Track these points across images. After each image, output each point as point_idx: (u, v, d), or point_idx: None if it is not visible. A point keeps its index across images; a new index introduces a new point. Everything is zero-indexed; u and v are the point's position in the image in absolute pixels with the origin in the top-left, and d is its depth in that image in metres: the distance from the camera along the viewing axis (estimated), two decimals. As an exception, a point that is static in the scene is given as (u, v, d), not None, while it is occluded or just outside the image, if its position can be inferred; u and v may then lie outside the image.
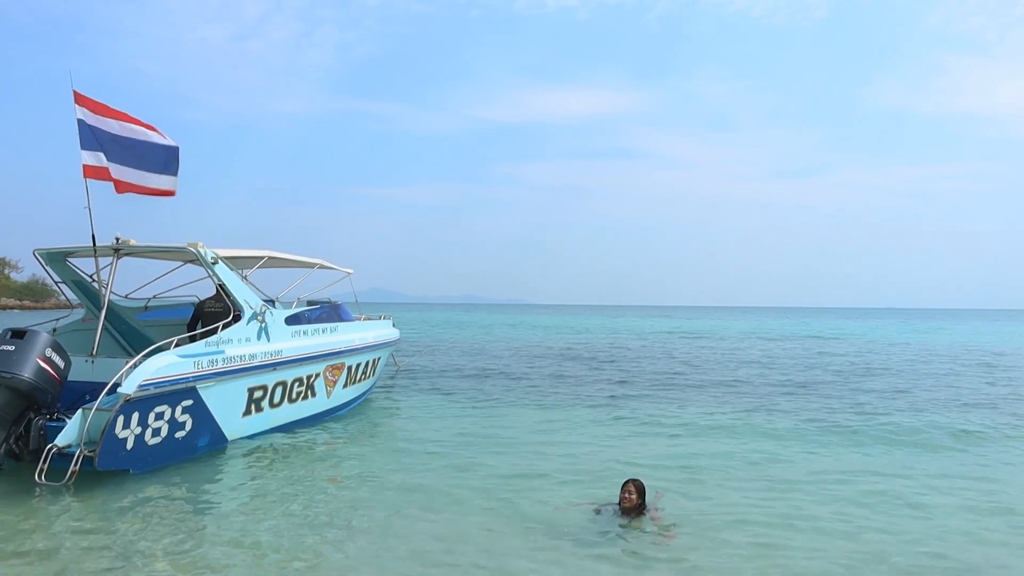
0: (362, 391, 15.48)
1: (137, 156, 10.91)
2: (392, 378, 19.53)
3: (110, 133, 10.52)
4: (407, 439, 12.11)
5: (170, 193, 11.53)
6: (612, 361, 28.00)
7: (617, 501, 7.73)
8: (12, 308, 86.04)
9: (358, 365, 14.67)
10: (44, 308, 76.42)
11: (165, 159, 11.32)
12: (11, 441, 8.56)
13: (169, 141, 11.32)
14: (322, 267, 14.81)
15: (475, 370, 23.52)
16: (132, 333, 12.88)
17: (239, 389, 10.86)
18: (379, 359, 16.21)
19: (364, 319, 15.85)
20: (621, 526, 7.36)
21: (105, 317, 11.41)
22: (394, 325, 17.53)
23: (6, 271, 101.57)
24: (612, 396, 17.70)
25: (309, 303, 13.91)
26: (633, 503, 7.57)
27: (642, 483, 7.75)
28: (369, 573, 6.12)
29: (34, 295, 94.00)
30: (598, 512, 7.73)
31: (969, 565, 6.51)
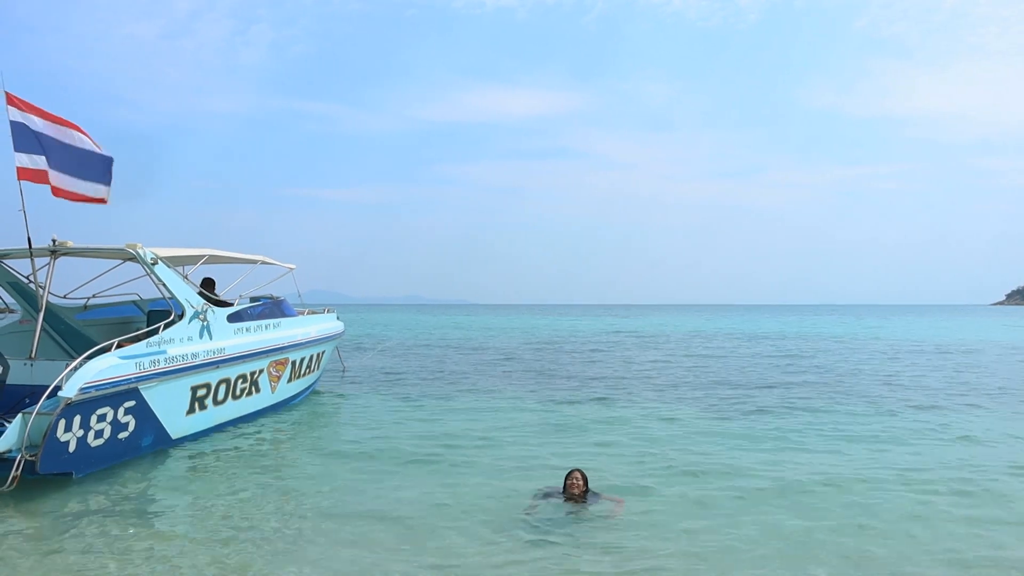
0: (307, 385, 15.55)
1: (73, 162, 10.79)
2: (339, 377, 19.60)
3: (45, 136, 10.36)
4: (351, 438, 12.19)
5: (103, 201, 11.44)
6: (556, 361, 28.36)
7: (562, 490, 8.03)
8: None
9: (302, 359, 14.73)
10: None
11: (101, 168, 11.26)
12: (-49, 446, 8.39)
13: (103, 151, 11.23)
14: (264, 263, 14.77)
15: (419, 370, 23.71)
16: (72, 334, 12.68)
17: (182, 388, 10.82)
18: (323, 353, 16.31)
19: (308, 313, 15.84)
20: (570, 513, 7.63)
21: (44, 319, 11.24)
22: (338, 318, 17.58)
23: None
24: (552, 392, 18.13)
25: (252, 300, 13.88)
26: (580, 490, 7.92)
27: (584, 472, 8.13)
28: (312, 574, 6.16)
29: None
30: (547, 498, 7.98)
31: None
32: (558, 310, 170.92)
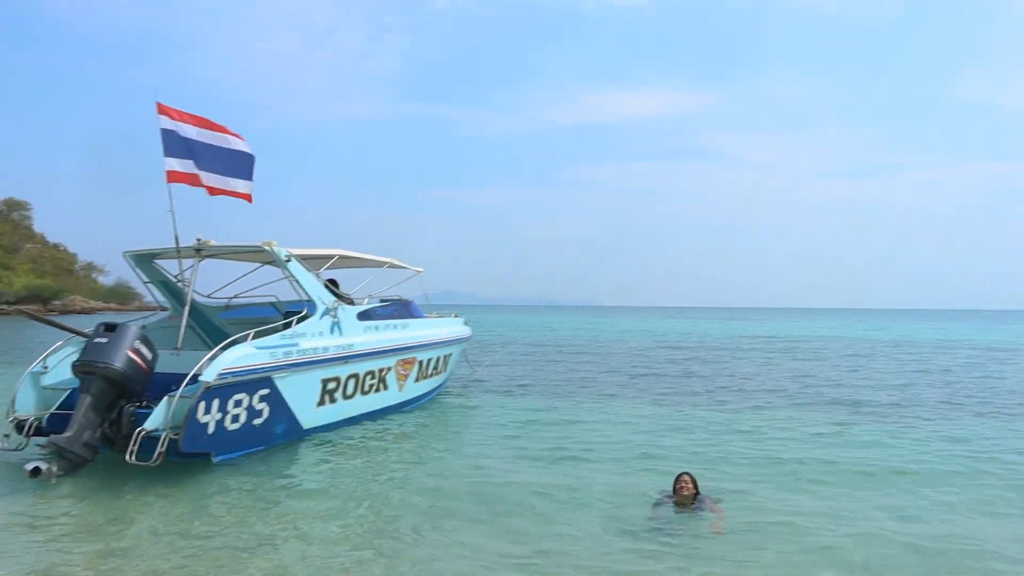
0: (434, 386, 15.85)
1: (220, 162, 11.53)
2: (467, 379, 19.87)
3: (193, 140, 11.17)
4: (473, 437, 12.42)
5: (247, 198, 12.14)
6: (690, 368, 27.74)
7: (671, 492, 8.07)
8: (99, 311, 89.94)
9: (429, 360, 15.07)
10: (128, 310, 79.57)
11: (246, 167, 11.94)
12: (105, 426, 9.23)
13: (246, 148, 11.94)
14: (392, 266, 15.31)
15: (546, 371, 23.74)
16: (214, 331, 13.55)
17: (313, 380, 11.37)
18: (450, 355, 16.58)
19: (435, 316, 16.30)
20: (677, 514, 7.66)
21: (189, 315, 12.10)
22: (466, 323, 17.98)
23: (94, 275, 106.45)
24: (679, 396, 17.80)
25: (381, 300, 14.45)
26: (690, 492, 7.95)
27: (693, 475, 8.19)
28: (433, 571, 6.26)
29: (119, 298, 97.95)
30: (656, 505, 7.96)
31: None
32: (690, 313, 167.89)
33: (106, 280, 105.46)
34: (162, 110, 10.75)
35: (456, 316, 17.65)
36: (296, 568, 6.16)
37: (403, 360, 13.95)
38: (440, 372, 16.04)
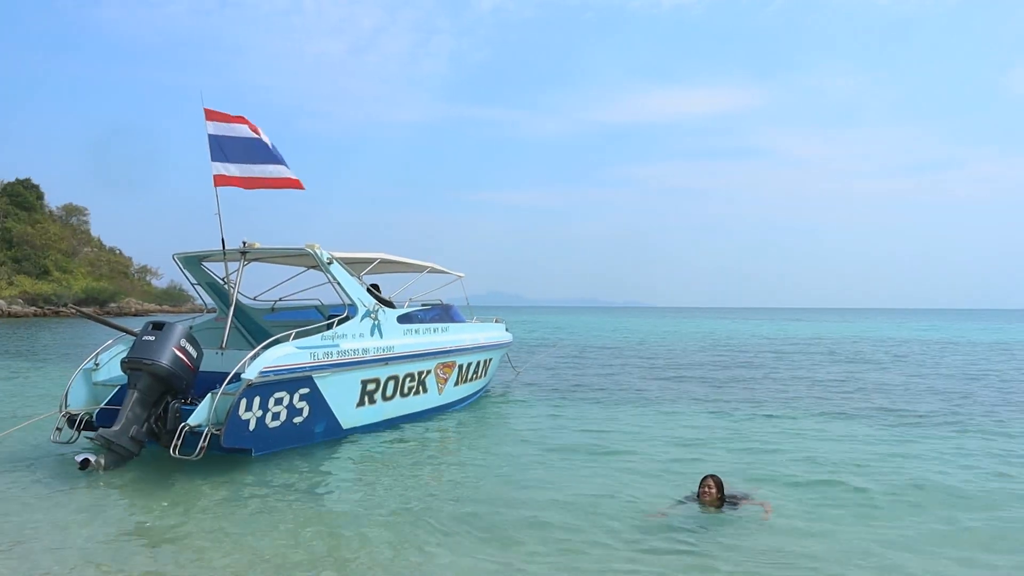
0: (474, 390, 15.97)
1: (264, 154, 11.82)
2: (509, 382, 19.96)
3: (239, 138, 11.50)
4: (511, 439, 12.52)
5: (298, 183, 12.31)
6: (737, 369, 27.36)
7: (696, 495, 7.99)
8: (153, 312, 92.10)
9: (469, 364, 15.20)
10: (180, 312, 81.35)
11: (280, 155, 12.15)
12: (152, 421, 9.56)
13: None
14: (433, 270, 15.52)
15: (588, 374, 23.72)
16: (259, 332, 13.87)
17: (353, 381, 11.61)
18: (491, 360, 16.68)
19: (476, 321, 16.48)
20: (703, 515, 7.64)
21: (235, 317, 12.41)
22: (507, 329, 18.07)
23: (147, 278, 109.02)
24: (722, 400, 17.62)
25: (423, 304, 14.65)
26: (713, 497, 7.82)
27: (719, 477, 7.99)
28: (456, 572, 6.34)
29: (172, 300, 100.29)
30: (680, 504, 7.97)
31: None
32: (736, 313, 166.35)
33: (159, 283, 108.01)
34: (209, 115, 11.12)
35: (498, 321, 17.80)
36: (324, 564, 6.38)
37: (443, 364, 14.12)
38: (480, 377, 16.15)
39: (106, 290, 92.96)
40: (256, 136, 11.70)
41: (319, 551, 6.61)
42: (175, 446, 9.03)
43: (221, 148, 11.29)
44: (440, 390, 14.14)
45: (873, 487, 8.90)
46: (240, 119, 11.61)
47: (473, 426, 13.72)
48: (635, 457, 10.83)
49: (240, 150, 11.49)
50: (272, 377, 9.83)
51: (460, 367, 14.80)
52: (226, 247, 11.87)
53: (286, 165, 12.07)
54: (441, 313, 14.72)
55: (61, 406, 10.56)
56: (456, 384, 14.76)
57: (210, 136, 11.18)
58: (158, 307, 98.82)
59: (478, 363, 15.72)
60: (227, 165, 11.38)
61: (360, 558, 6.49)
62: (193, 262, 13.05)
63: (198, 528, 7.17)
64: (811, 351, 36.11)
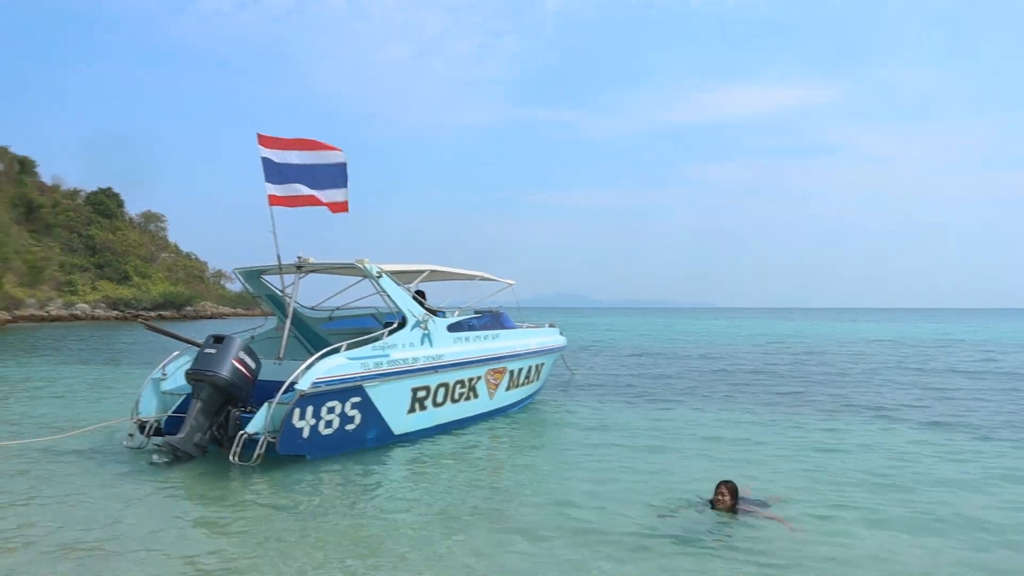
0: (526, 394, 16.30)
1: (313, 178, 12.37)
2: (564, 385, 20.13)
3: (289, 164, 12.13)
4: (560, 443, 12.90)
5: (343, 207, 12.81)
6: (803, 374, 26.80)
7: (710, 500, 8.18)
8: (227, 316, 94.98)
9: (520, 370, 15.54)
10: (253, 315, 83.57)
11: (335, 176, 12.61)
12: (214, 429, 10.33)
13: (340, 158, 12.58)
14: (483, 279, 15.97)
15: (647, 378, 23.74)
16: (317, 340, 14.50)
17: (403, 389, 12.09)
18: (543, 365, 16.97)
19: (527, 327, 16.88)
20: (718, 523, 7.82)
21: (294, 326, 13.04)
22: (561, 332, 18.38)
23: (222, 282, 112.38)
24: (786, 405, 17.47)
25: (476, 312, 15.11)
26: (727, 504, 7.98)
27: (735, 484, 8.14)
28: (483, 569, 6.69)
29: (245, 303, 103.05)
30: (698, 512, 8.11)
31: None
32: (809, 314, 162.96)
33: (233, 287, 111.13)
34: (261, 140, 11.78)
35: (551, 326, 18.10)
36: (375, 561, 6.86)
37: (493, 369, 14.50)
38: (532, 381, 16.46)
39: (182, 294, 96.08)
40: (314, 162, 12.28)
41: (370, 550, 7.08)
42: (234, 452, 9.72)
43: (274, 171, 11.92)
44: (491, 395, 14.52)
45: (911, 508, 8.62)
46: (295, 143, 12.21)
47: (522, 429, 14.12)
48: (674, 460, 11.08)
49: (292, 174, 12.11)
50: (324, 387, 10.40)
51: (511, 372, 15.15)
52: (282, 262, 12.52)
53: (339, 187, 12.62)
54: (491, 320, 15.11)
55: (132, 413, 11.35)
56: (507, 389, 15.12)
57: (263, 159, 11.83)
58: (232, 310, 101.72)
59: (530, 368, 16.06)
60: (280, 186, 12.02)
61: (411, 554, 6.94)
62: (253, 276, 13.76)
63: (254, 525, 7.73)
64: (888, 353, 35.11)
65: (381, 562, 6.78)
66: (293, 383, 10.23)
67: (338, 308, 15.57)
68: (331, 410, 10.63)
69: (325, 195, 12.53)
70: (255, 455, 9.73)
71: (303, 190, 12.23)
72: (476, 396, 14.02)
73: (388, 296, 12.37)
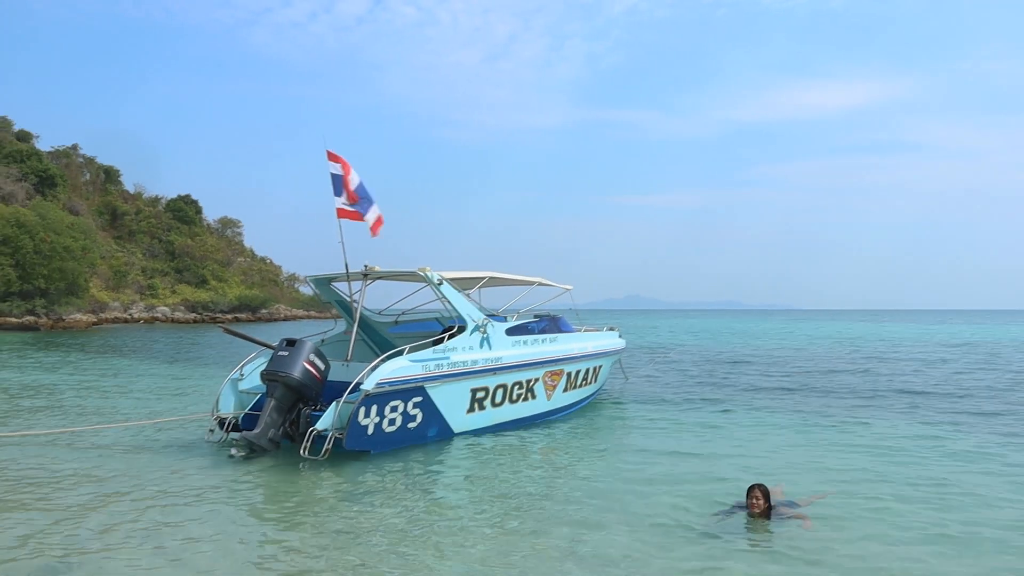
0: (584, 396, 16.75)
1: (367, 201, 13.25)
2: (623, 387, 20.47)
3: (359, 186, 12.99)
4: (615, 444, 13.39)
5: (379, 223, 13.65)
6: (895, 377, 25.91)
7: (745, 505, 8.28)
8: (300, 318, 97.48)
9: (577, 372, 16.01)
10: (324, 318, 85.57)
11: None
12: (287, 425, 11.21)
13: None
14: (541, 284, 16.54)
15: (707, 380, 23.79)
16: (384, 343, 15.28)
17: (463, 390, 12.74)
18: (601, 367, 17.39)
19: (585, 330, 17.39)
20: (747, 527, 8.03)
21: (363, 330, 13.85)
22: (620, 335, 18.79)
23: (296, 285, 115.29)
24: (852, 410, 17.21)
25: (535, 316, 15.69)
26: (760, 508, 8.11)
27: (767, 487, 8.26)
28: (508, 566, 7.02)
29: (318, 307, 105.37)
30: (731, 515, 8.29)
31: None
32: (887, 316, 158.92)
33: (306, 290, 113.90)
34: (331, 157, 12.61)
35: (611, 329, 18.55)
36: (430, 551, 7.48)
37: (551, 372, 15.01)
38: (590, 383, 16.90)
39: (257, 297, 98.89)
40: (366, 188, 13.18)
41: (430, 541, 7.67)
42: (304, 447, 10.54)
43: (341, 186, 12.76)
44: (549, 396, 15.03)
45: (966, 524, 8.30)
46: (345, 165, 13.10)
47: (578, 429, 14.60)
48: (721, 464, 11.28)
49: (361, 194, 12.97)
50: (387, 388, 11.14)
51: (568, 374, 15.63)
52: (349, 270, 13.34)
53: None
54: (549, 324, 15.63)
55: (213, 410, 12.28)
56: (565, 391, 15.60)
57: (332, 175, 12.66)
58: (305, 313, 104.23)
59: (587, 370, 16.51)
60: (346, 201, 12.84)
61: (471, 546, 7.48)
62: (323, 283, 14.62)
63: (320, 515, 8.44)
64: (964, 359, 33.61)
65: (441, 552, 7.31)
66: (359, 383, 10.99)
67: (404, 312, 16.34)
68: (394, 409, 11.36)
69: (373, 212, 13.37)
70: (323, 450, 10.52)
71: (370, 208, 13.08)
72: (534, 397, 14.57)
73: (448, 302, 13.06)
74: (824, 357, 34.95)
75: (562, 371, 15.38)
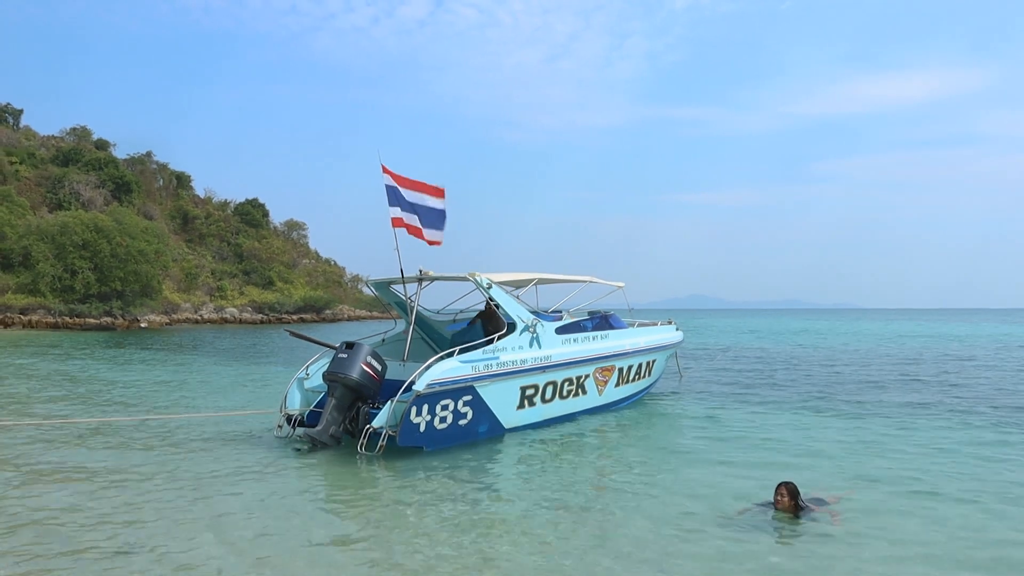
0: (637, 390, 17.22)
1: (419, 215, 13.93)
2: (675, 383, 20.69)
3: (405, 200, 13.70)
4: (664, 440, 13.84)
5: (438, 243, 14.39)
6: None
7: (771, 502, 8.49)
8: (363, 318, 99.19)
9: (629, 367, 16.48)
10: (386, 318, 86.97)
11: (436, 219, 14.25)
12: (346, 422, 12.02)
13: (441, 204, 14.26)
14: (592, 282, 17.09)
15: (760, 379, 23.85)
16: (442, 341, 15.92)
17: (512, 388, 13.32)
18: (654, 361, 17.73)
19: (638, 325, 17.68)
20: (774, 520, 8.24)
21: (422, 329, 14.59)
22: (677, 328, 19.14)
23: (359, 286, 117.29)
24: (909, 415, 16.76)
25: (589, 313, 16.20)
26: (786, 505, 8.29)
27: (794, 486, 8.40)
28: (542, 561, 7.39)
29: (380, 307, 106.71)
30: (762, 511, 8.47)
31: None
32: (956, 314, 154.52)
33: (369, 291, 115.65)
34: (385, 170, 13.33)
35: (669, 323, 18.98)
36: (480, 545, 8.05)
37: (602, 368, 15.53)
38: (643, 377, 17.32)
39: (322, 298, 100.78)
40: (422, 203, 13.95)
41: (480, 534, 8.22)
42: (361, 443, 11.32)
43: (396, 197, 13.48)
44: (600, 392, 15.57)
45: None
46: (408, 183, 13.80)
47: (628, 424, 15.02)
48: (767, 463, 11.46)
49: (406, 207, 13.69)
50: (438, 388, 11.80)
51: (620, 370, 16.12)
52: (404, 275, 14.09)
53: (438, 228, 14.27)
54: (600, 321, 16.11)
55: (281, 407, 13.11)
56: (617, 385, 16.10)
57: (387, 187, 13.39)
58: (368, 313, 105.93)
59: (640, 365, 16.95)
60: (400, 211, 13.56)
61: (519, 539, 7.98)
62: (383, 286, 15.39)
63: (374, 507, 9.13)
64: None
65: (490, 545, 7.76)
66: (412, 383, 11.68)
67: (461, 311, 17.04)
68: (445, 407, 12.00)
69: (427, 233, 14.08)
70: (378, 446, 11.27)
71: (415, 221, 13.79)
72: (585, 392, 15.10)
73: (498, 305, 13.68)
74: (888, 358, 34.18)
75: (613, 367, 15.88)
